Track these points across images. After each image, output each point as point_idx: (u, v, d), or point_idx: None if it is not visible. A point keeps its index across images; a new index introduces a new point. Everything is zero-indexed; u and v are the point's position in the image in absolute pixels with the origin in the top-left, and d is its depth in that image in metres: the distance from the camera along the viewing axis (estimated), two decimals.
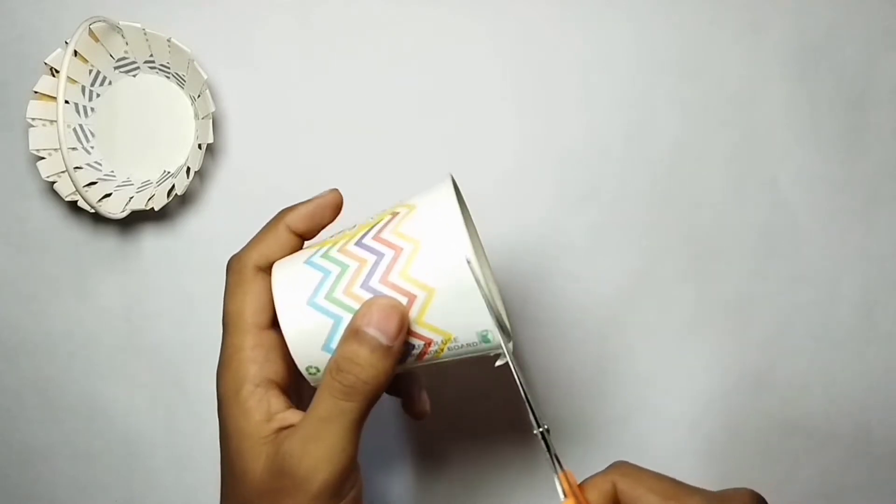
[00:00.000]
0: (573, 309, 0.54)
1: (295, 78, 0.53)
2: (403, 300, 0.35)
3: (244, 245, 0.38)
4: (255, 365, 0.36)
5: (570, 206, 0.54)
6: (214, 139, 0.53)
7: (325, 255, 0.36)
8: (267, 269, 0.38)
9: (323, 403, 0.34)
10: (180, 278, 0.54)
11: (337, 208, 0.39)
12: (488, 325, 0.35)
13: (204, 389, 0.54)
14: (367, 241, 0.36)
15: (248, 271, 0.37)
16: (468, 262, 0.34)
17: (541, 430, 0.34)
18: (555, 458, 0.34)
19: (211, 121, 0.50)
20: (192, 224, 0.54)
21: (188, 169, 0.51)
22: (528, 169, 0.54)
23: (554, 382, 0.54)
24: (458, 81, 0.54)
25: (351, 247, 0.36)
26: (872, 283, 0.54)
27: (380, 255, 0.35)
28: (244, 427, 0.35)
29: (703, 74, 0.54)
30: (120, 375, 0.54)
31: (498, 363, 0.37)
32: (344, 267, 0.36)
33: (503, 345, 0.35)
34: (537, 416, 0.35)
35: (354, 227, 0.38)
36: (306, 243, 0.39)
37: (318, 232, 0.39)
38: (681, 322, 0.54)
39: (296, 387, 0.38)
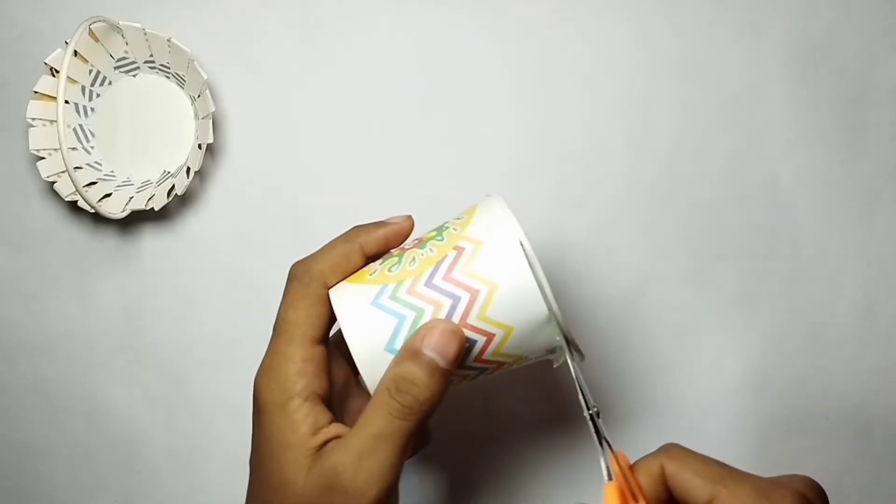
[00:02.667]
0: (573, 309, 0.53)
1: (295, 78, 0.53)
2: (482, 339, 0.36)
3: (310, 255, 0.38)
4: (305, 378, 0.36)
5: (570, 207, 0.54)
6: (214, 139, 0.53)
7: (394, 298, 0.36)
8: (332, 286, 0.38)
9: (379, 421, 0.34)
10: (180, 278, 0.54)
11: (408, 236, 0.40)
12: (561, 343, 0.36)
13: (204, 389, 0.54)
14: (438, 281, 0.36)
15: (315, 283, 0.37)
16: (546, 300, 0.35)
17: (591, 412, 0.35)
18: (605, 441, 0.34)
19: (211, 121, 0.50)
20: (192, 224, 0.54)
21: (188, 169, 0.51)
22: (529, 169, 0.54)
23: (560, 382, 0.54)
24: (459, 81, 0.54)
25: (421, 288, 0.36)
26: (872, 283, 0.54)
27: (455, 299, 0.36)
28: (289, 438, 0.35)
29: (703, 74, 0.54)
30: (120, 375, 0.54)
31: (556, 365, 0.39)
32: (419, 311, 0.36)
33: (568, 355, 0.36)
34: (587, 397, 0.35)
35: (414, 262, 0.37)
36: None
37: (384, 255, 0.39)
38: (680, 322, 0.54)
39: (331, 401, 0.38)
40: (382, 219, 0.40)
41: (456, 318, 0.36)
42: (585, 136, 0.54)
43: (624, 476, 0.33)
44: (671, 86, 0.54)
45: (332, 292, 0.37)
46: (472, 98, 0.54)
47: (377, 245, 0.39)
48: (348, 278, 0.38)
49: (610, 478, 0.33)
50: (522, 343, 0.37)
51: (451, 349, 0.35)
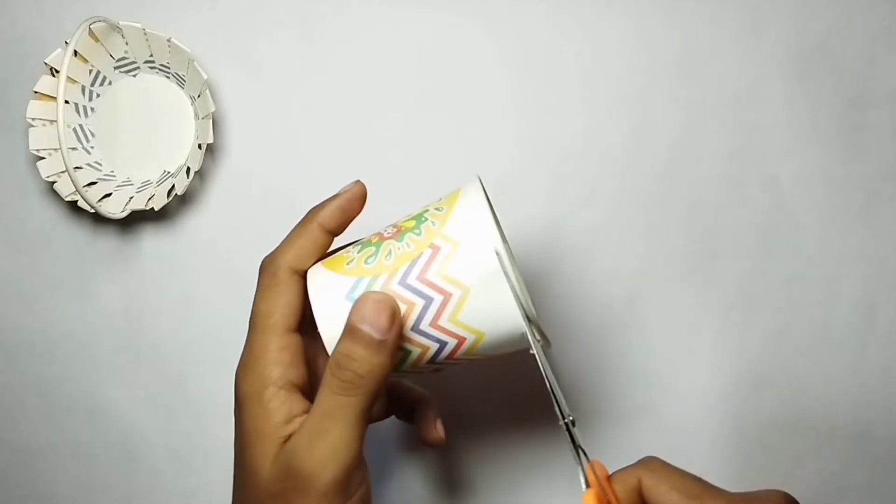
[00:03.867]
0: (573, 310, 0.54)
1: (295, 78, 0.54)
2: (453, 342, 0.36)
3: (276, 247, 0.39)
4: (281, 367, 0.36)
5: (570, 207, 0.54)
6: (214, 139, 0.53)
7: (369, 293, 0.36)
8: (301, 272, 0.38)
9: (325, 400, 0.35)
10: (180, 278, 0.54)
11: (364, 199, 0.39)
12: (530, 345, 0.36)
13: (204, 389, 0.54)
14: (412, 281, 0.36)
15: (282, 273, 0.38)
16: (522, 308, 0.35)
17: (566, 420, 0.35)
18: (580, 449, 0.34)
19: (211, 121, 0.50)
20: (192, 224, 0.54)
21: (188, 169, 0.51)
22: (529, 170, 0.54)
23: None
24: (459, 82, 0.54)
25: (395, 286, 0.36)
26: (872, 283, 0.54)
27: (428, 300, 0.36)
28: (262, 427, 0.35)
29: (702, 74, 0.54)
30: (120, 375, 0.54)
31: (532, 351, 0.38)
32: None
33: (539, 357, 0.36)
34: (562, 407, 0.35)
35: (390, 255, 0.37)
36: (336, 240, 0.40)
37: (348, 226, 0.39)
38: (681, 322, 0.54)
39: (314, 391, 0.38)
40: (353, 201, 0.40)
41: (427, 319, 0.36)
42: (585, 135, 0.54)
43: (600, 486, 0.33)
44: (670, 86, 0.54)
45: (308, 278, 0.38)
46: (472, 98, 0.54)
47: (335, 218, 0.39)
48: (325, 260, 0.38)
49: (588, 486, 0.34)
50: (493, 346, 0.37)
51: (383, 319, 0.34)
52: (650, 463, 0.34)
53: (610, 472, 0.35)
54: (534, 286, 0.53)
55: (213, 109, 0.50)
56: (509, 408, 0.54)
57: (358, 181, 0.40)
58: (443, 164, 0.53)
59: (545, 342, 0.37)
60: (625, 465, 0.35)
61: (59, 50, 0.51)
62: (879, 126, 0.54)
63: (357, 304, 0.35)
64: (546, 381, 0.35)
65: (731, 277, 0.54)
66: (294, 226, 0.39)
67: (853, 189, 0.54)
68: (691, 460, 0.53)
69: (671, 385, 0.54)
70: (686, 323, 0.54)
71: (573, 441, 0.34)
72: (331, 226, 0.39)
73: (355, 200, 0.39)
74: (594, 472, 0.34)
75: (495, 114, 0.54)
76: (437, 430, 0.43)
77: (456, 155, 0.54)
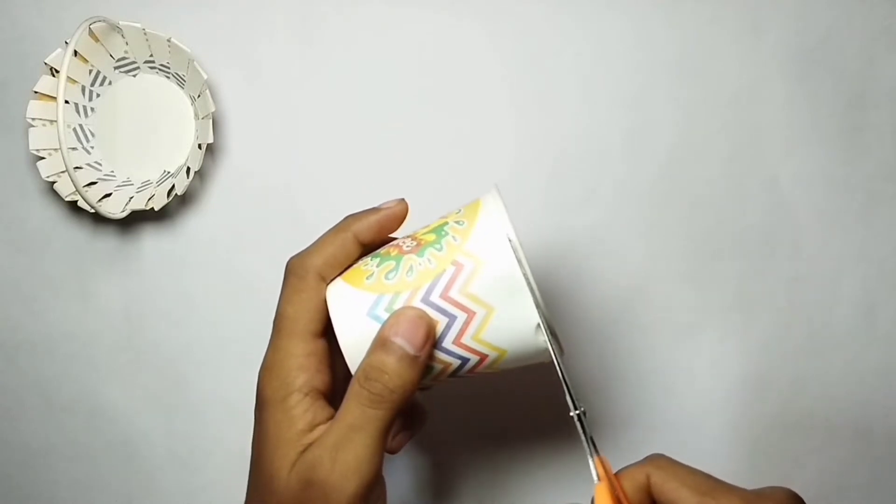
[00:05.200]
0: (573, 310, 0.54)
1: (295, 78, 0.54)
2: (475, 358, 0.36)
3: (306, 248, 0.38)
4: (307, 373, 0.36)
5: (570, 207, 0.54)
6: (214, 139, 0.53)
7: (389, 310, 0.36)
8: (328, 279, 0.38)
9: (351, 412, 0.34)
10: (180, 278, 0.54)
11: (402, 219, 0.39)
12: (549, 359, 0.36)
13: (204, 389, 0.54)
14: (435, 299, 0.36)
15: (310, 277, 0.37)
16: (545, 325, 0.35)
17: (577, 412, 0.35)
18: (590, 441, 0.34)
19: (211, 121, 0.50)
20: (192, 224, 0.54)
21: (188, 169, 0.51)
22: (528, 170, 0.54)
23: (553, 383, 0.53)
24: (458, 82, 0.54)
25: (418, 304, 0.36)
26: (872, 283, 0.54)
27: (451, 318, 0.36)
28: (284, 433, 0.35)
29: (702, 74, 0.54)
30: (120, 375, 0.54)
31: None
32: None
33: (556, 359, 0.36)
34: (574, 398, 0.35)
35: (411, 271, 0.36)
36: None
37: (382, 242, 0.39)
38: (680, 323, 0.54)
39: (335, 394, 0.38)
40: (375, 205, 0.40)
41: (451, 337, 0.36)
42: (585, 136, 0.54)
43: (609, 480, 0.33)
44: (670, 86, 0.54)
45: (328, 294, 0.37)
46: (472, 98, 0.54)
47: (371, 232, 0.38)
48: (344, 274, 0.38)
49: (599, 479, 0.34)
50: (513, 361, 0.37)
51: (419, 335, 0.35)
52: (658, 460, 0.34)
53: (614, 471, 0.35)
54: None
55: (213, 109, 0.50)
56: (510, 405, 0.54)
57: (402, 200, 0.39)
58: (442, 165, 0.53)
59: (560, 349, 0.37)
60: (628, 464, 0.35)
61: (59, 50, 0.51)
62: (879, 126, 0.54)
63: (392, 318, 0.35)
64: (558, 372, 0.35)
65: (731, 277, 0.54)
66: (326, 231, 0.39)
67: (853, 189, 0.54)
68: (691, 460, 0.53)
69: (671, 385, 0.54)
70: (686, 323, 0.54)
71: (584, 432, 0.34)
72: (365, 239, 0.38)
73: (395, 219, 0.39)
74: (603, 468, 0.34)
75: (495, 114, 0.54)
76: (395, 440, 0.42)
77: (456, 155, 0.54)
